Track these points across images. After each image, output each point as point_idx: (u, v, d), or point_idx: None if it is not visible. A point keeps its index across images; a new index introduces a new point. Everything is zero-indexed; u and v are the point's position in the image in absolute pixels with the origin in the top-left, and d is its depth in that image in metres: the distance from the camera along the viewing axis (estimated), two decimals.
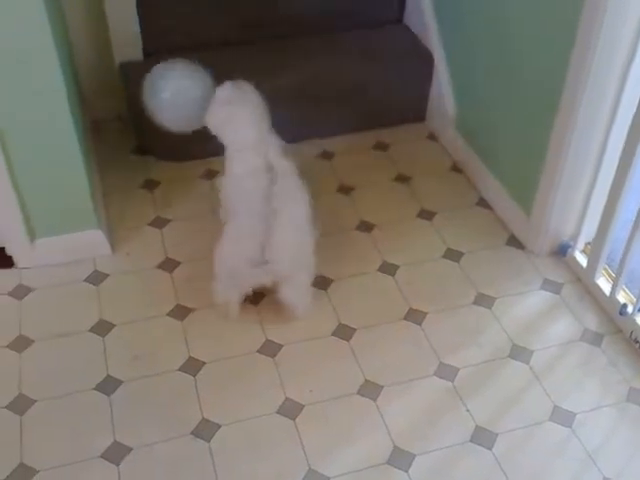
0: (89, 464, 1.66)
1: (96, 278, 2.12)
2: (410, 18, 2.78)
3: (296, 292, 1.96)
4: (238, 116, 1.87)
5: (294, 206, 1.86)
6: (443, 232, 2.31)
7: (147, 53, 2.59)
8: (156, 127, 2.48)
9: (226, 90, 1.89)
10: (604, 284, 2.07)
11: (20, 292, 2.07)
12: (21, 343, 1.93)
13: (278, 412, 1.78)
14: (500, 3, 2.20)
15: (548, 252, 2.22)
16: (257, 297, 2.04)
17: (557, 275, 2.17)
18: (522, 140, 2.21)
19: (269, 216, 1.79)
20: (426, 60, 2.65)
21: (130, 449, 1.69)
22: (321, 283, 2.11)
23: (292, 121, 2.60)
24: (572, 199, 2.10)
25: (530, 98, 2.13)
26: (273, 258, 1.82)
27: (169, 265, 2.17)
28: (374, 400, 1.82)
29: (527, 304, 2.09)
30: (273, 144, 1.91)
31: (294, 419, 1.77)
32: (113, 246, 2.20)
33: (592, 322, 2.03)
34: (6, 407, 1.77)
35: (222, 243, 1.90)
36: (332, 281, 2.13)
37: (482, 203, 2.43)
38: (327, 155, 2.62)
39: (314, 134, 2.66)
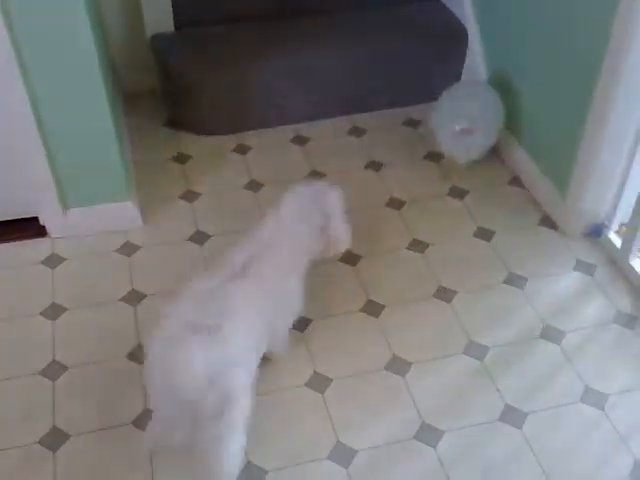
0: (120, 430, 1.68)
1: (128, 249, 2.13)
2: None
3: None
4: None
5: None
6: (474, 211, 2.29)
7: (177, 26, 2.58)
8: (187, 101, 2.50)
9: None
10: (639, 266, 2.03)
11: (53, 261, 2.10)
12: (54, 311, 1.95)
13: (307, 385, 1.79)
14: None
15: (582, 233, 2.19)
16: None
17: (590, 256, 2.13)
18: (558, 118, 2.17)
19: None
20: (460, 36, 2.61)
21: None
22: (350, 259, 2.10)
23: (326, 96, 2.60)
24: (608, 179, 2.06)
25: (567, 76, 2.08)
26: None
27: (200, 238, 2.18)
28: (402, 376, 1.82)
29: (560, 285, 2.06)
30: None
31: (322, 393, 1.77)
32: (144, 218, 2.22)
33: (626, 304, 2.00)
34: (40, 373, 1.80)
35: None
36: (361, 257, 2.13)
37: (515, 182, 2.40)
38: (358, 131, 2.60)
39: (347, 110, 2.64)
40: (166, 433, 1.52)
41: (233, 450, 1.47)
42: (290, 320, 1.75)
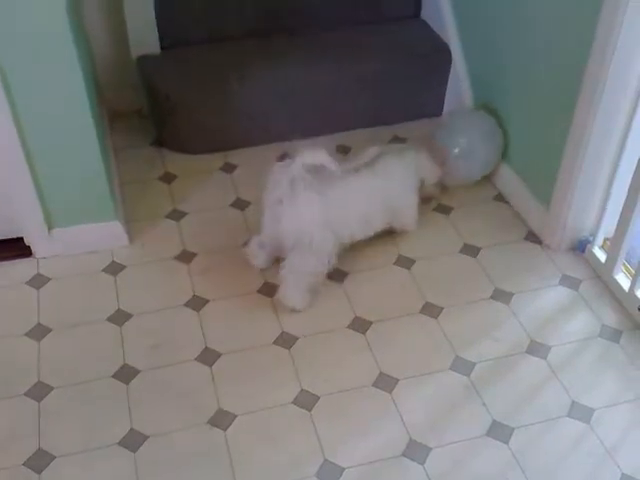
0: (106, 451, 1.67)
1: (114, 268, 2.13)
2: (427, 12, 2.77)
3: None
4: None
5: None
6: (460, 227, 2.30)
7: (163, 46, 2.60)
8: (173, 120, 2.51)
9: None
10: (623, 280, 2.05)
11: (38, 281, 2.09)
12: (39, 332, 1.94)
13: (294, 403, 1.78)
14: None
15: (566, 248, 2.20)
16: (273, 289, 2.04)
17: (575, 271, 2.15)
18: (540, 133, 2.20)
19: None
20: (443, 54, 2.64)
21: (147, 437, 1.70)
22: (337, 276, 2.11)
23: (310, 114, 2.62)
24: (591, 194, 2.09)
25: (548, 91, 2.11)
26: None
27: (186, 257, 2.18)
28: (389, 392, 1.81)
29: (545, 300, 2.08)
30: None
31: (310, 410, 1.77)
32: (131, 237, 2.22)
33: (611, 318, 2.01)
34: (25, 394, 1.79)
35: None
36: (348, 274, 2.13)
37: (500, 198, 2.42)
38: (344, 149, 2.62)
39: (332, 128, 2.66)
40: (259, 252, 2.06)
41: (291, 285, 1.95)
42: (409, 208, 2.20)
